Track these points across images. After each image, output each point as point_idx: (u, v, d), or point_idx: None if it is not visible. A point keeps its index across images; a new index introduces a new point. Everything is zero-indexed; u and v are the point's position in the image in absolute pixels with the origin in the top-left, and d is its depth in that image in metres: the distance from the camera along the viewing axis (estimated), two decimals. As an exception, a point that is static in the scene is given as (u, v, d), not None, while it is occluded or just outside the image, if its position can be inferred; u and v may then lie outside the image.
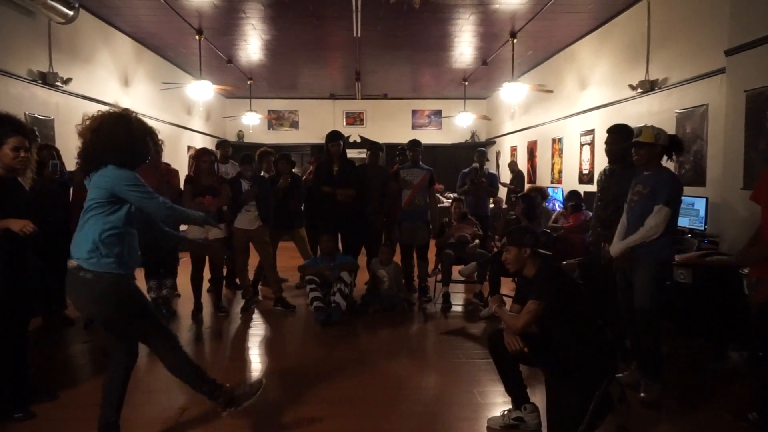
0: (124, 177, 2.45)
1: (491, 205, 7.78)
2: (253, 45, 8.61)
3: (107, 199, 2.45)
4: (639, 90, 6.32)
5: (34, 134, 3.07)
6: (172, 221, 2.63)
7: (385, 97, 13.75)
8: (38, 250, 2.94)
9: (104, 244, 2.43)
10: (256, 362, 4.18)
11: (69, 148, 5.92)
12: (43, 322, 4.76)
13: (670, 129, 5.50)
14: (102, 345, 4.31)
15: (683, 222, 4.87)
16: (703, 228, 4.74)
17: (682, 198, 3.44)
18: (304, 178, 6.52)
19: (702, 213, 4.76)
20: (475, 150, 7.52)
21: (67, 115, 6.39)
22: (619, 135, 3.85)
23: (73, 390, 3.44)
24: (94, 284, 2.43)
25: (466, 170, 7.05)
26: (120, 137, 2.49)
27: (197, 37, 7.81)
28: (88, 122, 2.56)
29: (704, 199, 4.77)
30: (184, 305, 5.47)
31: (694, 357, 4.03)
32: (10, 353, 3.08)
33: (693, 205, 4.85)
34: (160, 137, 2.75)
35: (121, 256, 2.48)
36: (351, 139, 9.37)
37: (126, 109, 2.66)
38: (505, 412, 2.96)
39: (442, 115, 14.13)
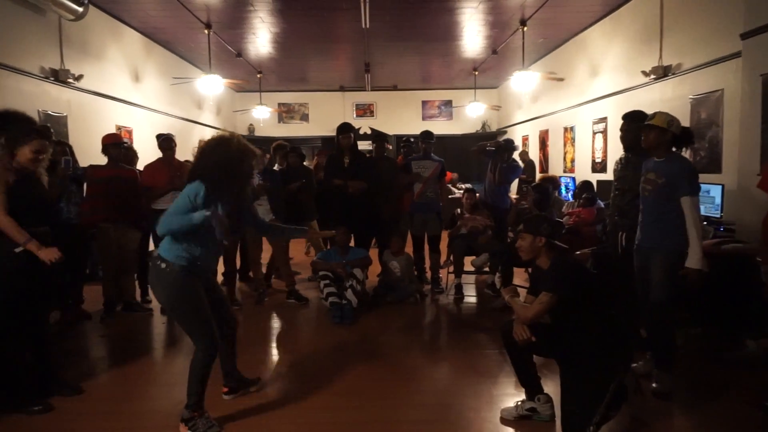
0: (185, 191, 2.73)
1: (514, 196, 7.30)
2: (261, 38, 8.61)
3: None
4: (652, 76, 6.22)
5: (50, 134, 3.12)
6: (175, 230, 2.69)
7: (394, 88, 13.70)
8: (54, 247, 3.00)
9: (178, 240, 2.72)
10: (270, 354, 4.20)
11: (82, 144, 6.06)
12: (61, 317, 4.82)
13: (685, 115, 5.43)
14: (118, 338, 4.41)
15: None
16: (719, 215, 4.67)
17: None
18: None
19: (718, 200, 4.69)
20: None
21: (79, 111, 6.45)
22: (634, 121, 3.79)
23: (89, 383, 3.47)
24: (164, 272, 2.71)
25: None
26: (213, 158, 2.76)
27: (206, 32, 7.82)
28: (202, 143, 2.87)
29: (720, 186, 4.70)
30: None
31: (709, 346, 3.98)
32: (31, 347, 3.16)
33: (709, 192, 4.78)
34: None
35: (191, 252, 2.72)
36: (362, 131, 9.34)
37: (229, 133, 2.94)
38: (519, 403, 2.96)
39: (453, 106, 14.05)
